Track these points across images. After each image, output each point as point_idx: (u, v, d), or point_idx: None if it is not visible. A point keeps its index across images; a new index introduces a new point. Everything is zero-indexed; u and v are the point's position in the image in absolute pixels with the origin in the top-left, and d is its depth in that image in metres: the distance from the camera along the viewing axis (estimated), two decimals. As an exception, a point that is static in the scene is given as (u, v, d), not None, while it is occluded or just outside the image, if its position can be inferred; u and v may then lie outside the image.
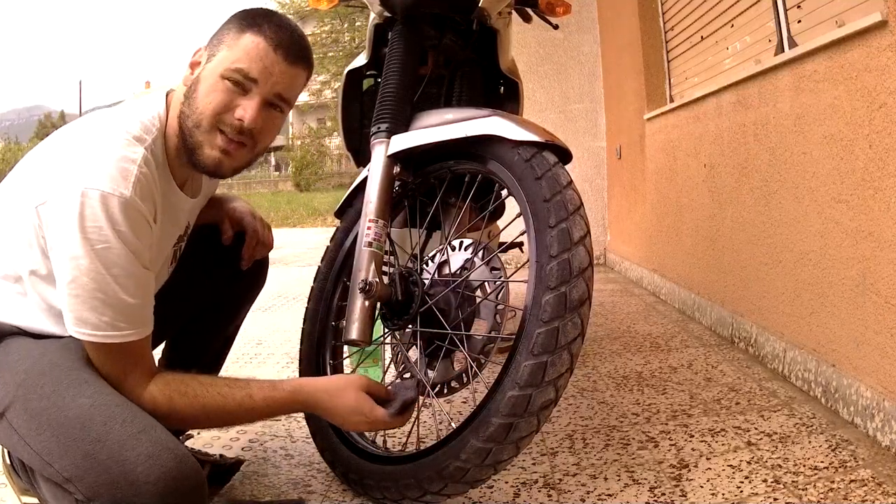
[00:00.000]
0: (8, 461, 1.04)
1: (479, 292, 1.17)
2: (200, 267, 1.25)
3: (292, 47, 1.01)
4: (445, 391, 1.18)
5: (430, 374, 1.20)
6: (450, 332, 1.15)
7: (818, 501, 1.17)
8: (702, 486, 1.24)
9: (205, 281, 1.27)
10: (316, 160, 20.93)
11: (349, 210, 1.43)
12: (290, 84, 1.03)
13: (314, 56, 1.10)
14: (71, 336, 0.98)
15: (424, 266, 1.24)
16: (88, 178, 0.89)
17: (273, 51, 0.99)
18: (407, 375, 1.24)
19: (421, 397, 1.14)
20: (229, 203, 1.31)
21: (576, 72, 4.46)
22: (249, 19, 1.01)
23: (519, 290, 1.13)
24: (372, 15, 1.53)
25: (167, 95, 1.05)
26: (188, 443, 1.39)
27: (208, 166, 1.01)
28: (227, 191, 1.66)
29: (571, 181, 1.09)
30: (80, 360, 0.93)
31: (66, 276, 0.88)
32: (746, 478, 1.27)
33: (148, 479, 0.78)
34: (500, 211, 1.70)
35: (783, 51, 1.97)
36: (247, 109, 0.98)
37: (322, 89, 19.88)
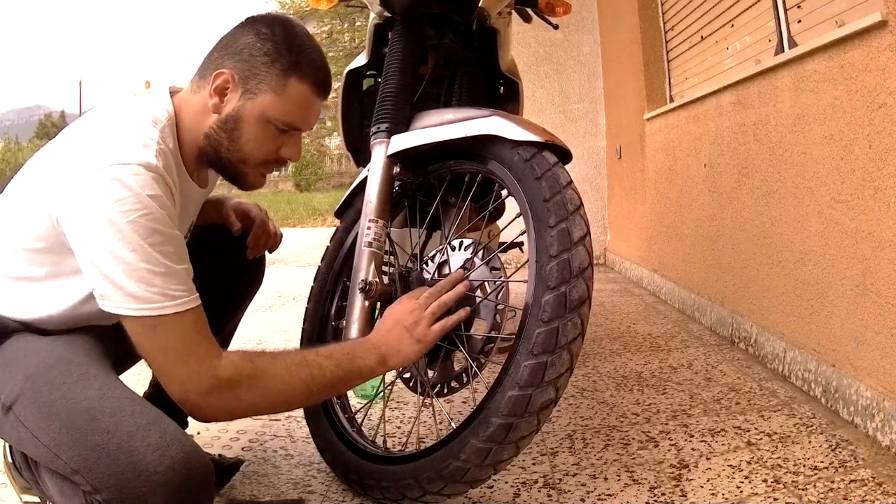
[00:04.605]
0: (9, 459, 1.03)
1: (479, 292, 1.17)
2: (202, 264, 1.25)
3: (326, 82, 1.06)
4: (445, 391, 1.18)
5: (430, 374, 1.20)
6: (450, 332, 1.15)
7: (818, 501, 1.17)
8: (702, 486, 1.24)
9: (207, 278, 1.27)
10: (316, 160, 20.90)
11: (349, 210, 1.43)
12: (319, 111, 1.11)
13: None
14: (79, 333, 0.98)
15: (424, 266, 1.24)
16: (110, 156, 0.88)
17: (316, 96, 1.05)
18: (406, 375, 1.24)
19: (421, 397, 1.14)
20: (232, 200, 1.33)
21: (576, 72, 4.46)
22: (289, 57, 1.01)
23: (519, 290, 1.13)
24: (372, 15, 1.53)
25: (171, 95, 1.05)
26: (188, 442, 1.39)
27: (250, 188, 1.09)
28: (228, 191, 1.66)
29: (571, 181, 1.09)
30: (88, 357, 0.93)
31: (101, 258, 0.85)
32: (746, 478, 1.27)
33: (157, 469, 0.78)
34: (500, 211, 1.70)
35: (783, 51, 1.97)
36: (293, 149, 1.07)
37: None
